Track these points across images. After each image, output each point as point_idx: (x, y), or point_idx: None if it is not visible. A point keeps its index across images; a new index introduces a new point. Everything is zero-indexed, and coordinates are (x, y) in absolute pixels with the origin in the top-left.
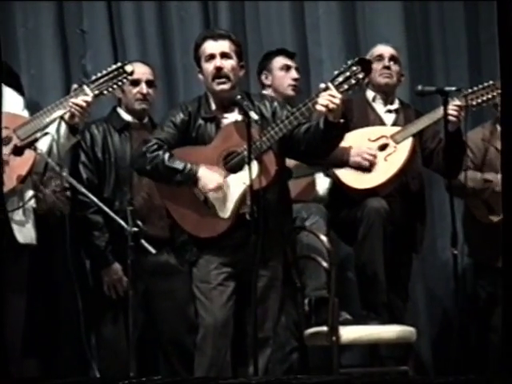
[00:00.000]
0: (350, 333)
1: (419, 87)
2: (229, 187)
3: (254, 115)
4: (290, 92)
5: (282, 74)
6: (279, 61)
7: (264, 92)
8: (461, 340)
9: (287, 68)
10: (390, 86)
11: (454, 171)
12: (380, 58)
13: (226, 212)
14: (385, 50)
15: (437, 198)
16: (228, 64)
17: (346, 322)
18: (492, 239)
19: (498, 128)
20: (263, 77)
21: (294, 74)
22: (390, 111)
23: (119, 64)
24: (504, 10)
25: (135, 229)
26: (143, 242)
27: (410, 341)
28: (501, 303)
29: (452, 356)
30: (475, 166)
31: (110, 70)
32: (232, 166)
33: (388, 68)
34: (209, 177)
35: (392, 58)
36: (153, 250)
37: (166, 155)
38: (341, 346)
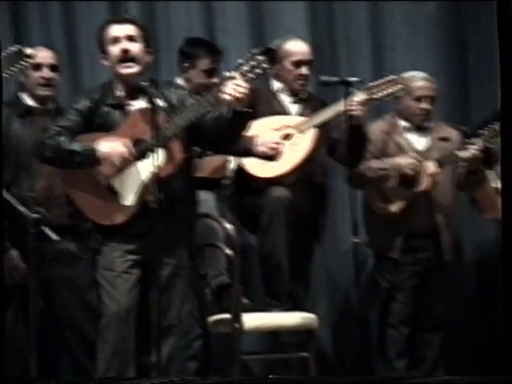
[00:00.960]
0: (252, 320)
1: (323, 77)
2: (134, 174)
3: (160, 102)
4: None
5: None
6: (203, 63)
7: (179, 80)
8: (360, 327)
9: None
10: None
11: (355, 162)
12: (298, 64)
13: (131, 199)
14: (301, 51)
15: (339, 187)
16: (134, 47)
17: (245, 307)
18: (388, 229)
19: (398, 121)
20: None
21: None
22: (295, 102)
23: (17, 46)
24: (504, 9)
25: (36, 215)
26: (45, 228)
27: (311, 328)
28: (501, 303)
29: (351, 343)
30: (374, 157)
31: (7, 52)
32: (137, 153)
33: (304, 76)
34: (110, 147)
35: (308, 63)
36: (55, 237)
37: (64, 139)
38: (243, 332)
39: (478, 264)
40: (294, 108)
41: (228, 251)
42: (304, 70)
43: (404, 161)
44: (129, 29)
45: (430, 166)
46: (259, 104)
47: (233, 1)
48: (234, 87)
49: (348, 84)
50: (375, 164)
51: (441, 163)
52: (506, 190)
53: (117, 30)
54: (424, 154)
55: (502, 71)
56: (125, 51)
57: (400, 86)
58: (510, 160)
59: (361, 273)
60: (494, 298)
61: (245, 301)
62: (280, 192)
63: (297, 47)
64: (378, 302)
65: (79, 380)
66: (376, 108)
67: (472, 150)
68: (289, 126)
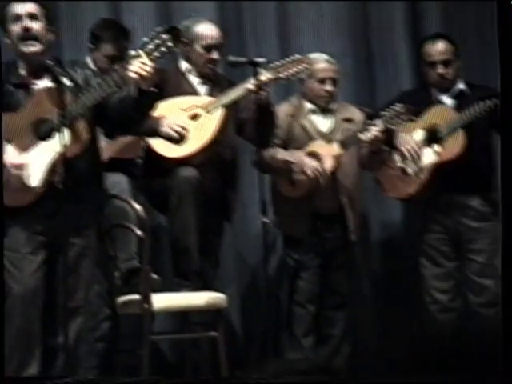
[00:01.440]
0: (161, 300)
1: (230, 57)
2: (39, 155)
3: (65, 81)
4: None
5: None
6: (107, 48)
7: (88, 59)
8: (269, 306)
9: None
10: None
11: (264, 141)
12: (208, 48)
13: (36, 180)
14: (211, 35)
15: (248, 167)
16: (36, 25)
17: (154, 284)
18: (295, 211)
19: (304, 103)
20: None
21: None
22: (204, 82)
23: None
24: (504, 10)
25: None
26: None
27: (220, 307)
28: (501, 303)
29: (260, 321)
30: (281, 141)
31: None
32: (42, 133)
33: (214, 60)
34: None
35: (218, 47)
36: None
37: None
38: (152, 313)
39: (384, 243)
40: (202, 89)
41: (138, 232)
42: (214, 55)
43: (309, 162)
44: (30, 7)
45: (334, 148)
46: (167, 84)
47: None
48: (140, 65)
49: (255, 64)
50: (280, 155)
51: (344, 144)
52: (505, 190)
53: (18, 8)
54: (328, 136)
55: (501, 71)
56: (26, 29)
57: (305, 65)
58: (510, 161)
59: (270, 252)
60: (399, 275)
61: (154, 276)
62: (188, 172)
63: (207, 31)
64: (286, 281)
65: (80, 380)
66: (284, 91)
67: (373, 131)
68: (197, 106)
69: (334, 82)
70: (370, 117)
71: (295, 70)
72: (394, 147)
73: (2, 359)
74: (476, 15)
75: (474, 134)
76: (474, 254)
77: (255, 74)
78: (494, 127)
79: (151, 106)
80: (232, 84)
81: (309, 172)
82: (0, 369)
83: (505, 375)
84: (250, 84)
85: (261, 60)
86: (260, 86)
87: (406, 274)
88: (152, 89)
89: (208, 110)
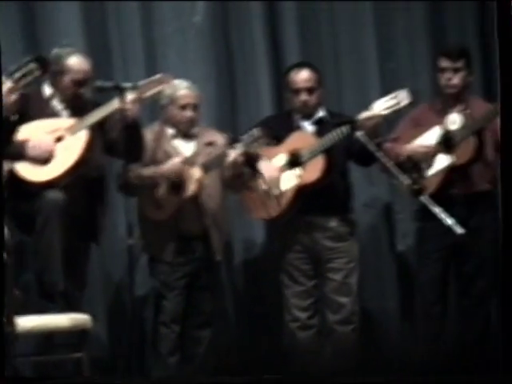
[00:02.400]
0: (25, 322)
1: (97, 83)
2: None
3: None
4: None
5: None
6: None
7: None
8: (134, 326)
9: None
10: None
11: (133, 159)
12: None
13: None
14: (81, 69)
15: (115, 188)
16: None
17: (17, 301)
18: (160, 233)
19: (166, 129)
20: None
21: None
22: (67, 107)
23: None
24: (504, 10)
25: None
26: None
27: (85, 328)
28: (501, 302)
29: (126, 341)
30: (144, 165)
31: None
32: None
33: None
34: None
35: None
36: None
37: None
38: (16, 334)
39: (247, 262)
40: (65, 113)
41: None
42: (81, 89)
43: (168, 167)
44: None
45: (197, 171)
46: (29, 109)
47: (5, 0)
48: (5, 93)
49: (122, 89)
50: (144, 172)
51: (206, 167)
52: (505, 189)
53: None
54: (191, 160)
55: (501, 71)
56: None
57: (167, 84)
58: (510, 159)
59: (135, 273)
60: (262, 294)
61: (18, 295)
62: (54, 194)
63: (78, 65)
64: (152, 301)
65: (78, 380)
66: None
67: (233, 155)
68: (61, 129)
69: (195, 107)
70: (232, 140)
71: (158, 88)
72: (255, 169)
73: (2, 359)
74: (333, 45)
75: (332, 158)
76: (331, 272)
77: (121, 97)
78: (350, 154)
79: (12, 131)
80: (97, 106)
81: (171, 175)
82: (0, 369)
83: (504, 375)
84: (115, 105)
85: (127, 84)
86: (125, 106)
87: (269, 293)
88: (13, 116)
89: (73, 131)
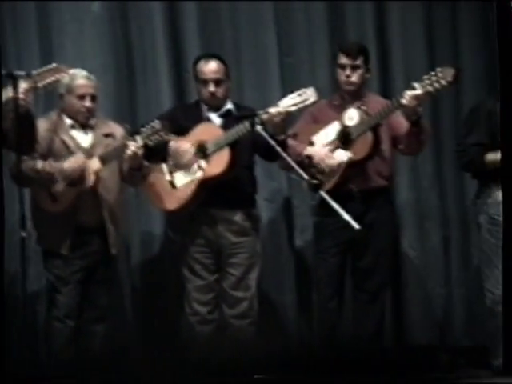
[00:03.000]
0: None
1: None
2: None
3: None
4: None
5: None
6: None
7: None
8: (27, 321)
9: None
10: None
11: (25, 150)
12: None
13: None
14: None
15: (8, 179)
16: None
17: None
18: (56, 226)
19: (64, 118)
20: None
21: None
22: None
23: None
24: (504, 9)
25: None
26: None
27: None
28: (502, 303)
29: (16, 336)
30: (40, 155)
31: None
32: None
33: None
34: None
35: None
36: None
37: None
38: None
39: (146, 256)
40: None
41: None
42: None
43: (69, 165)
44: None
45: (94, 163)
46: None
47: None
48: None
49: (15, 78)
50: (40, 166)
51: (104, 159)
52: (505, 189)
53: None
54: (89, 151)
55: (501, 72)
56: None
57: (62, 74)
58: (510, 165)
59: (28, 266)
60: (161, 289)
61: None
62: None
63: None
64: (45, 295)
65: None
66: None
67: (132, 147)
68: None
69: (93, 97)
70: (131, 133)
71: (53, 78)
72: (162, 160)
73: (1, 359)
74: (234, 39)
75: (238, 152)
76: (231, 267)
77: (14, 86)
78: (256, 148)
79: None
80: None
81: (72, 175)
82: (0, 368)
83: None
84: (8, 92)
85: (20, 73)
86: (19, 96)
87: (169, 287)
88: None
89: None
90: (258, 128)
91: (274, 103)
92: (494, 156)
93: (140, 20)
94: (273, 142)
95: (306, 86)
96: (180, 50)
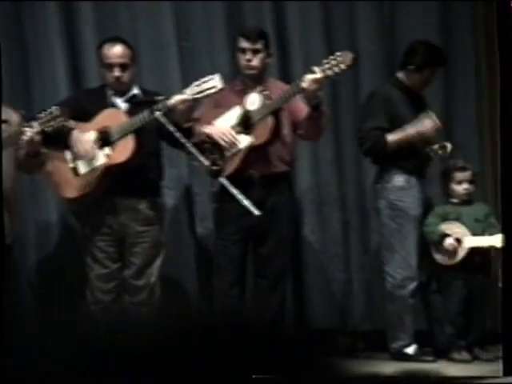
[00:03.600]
0: None
1: None
2: None
3: None
4: None
5: None
6: None
7: None
8: None
9: None
10: None
11: None
12: None
13: None
14: None
15: None
16: None
17: None
18: None
19: None
20: None
21: None
22: None
23: None
24: (504, 9)
25: None
26: None
27: None
28: (502, 304)
29: None
30: None
31: None
32: None
33: None
34: None
35: None
36: None
37: None
38: None
39: (41, 245)
40: None
41: None
42: None
43: None
44: None
45: None
46: None
47: None
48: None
49: None
50: None
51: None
52: (505, 191)
53: None
54: None
55: (501, 71)
56: None
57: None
58: (510, 158)
59: None
60: (60, 278)
61: None
62: None
63: None
64: None
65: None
66: None
67: (28, 133)
68: None
69: None
70: (27, 119)
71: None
72: (65, 147)
73: (1, 359)
74: (131, 24)
75: (143, 138)
76: (133, 256)
77: None
78: (161, 135)
79: None
80: None
81: None
82: (0, 368)
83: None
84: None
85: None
86: None
87: (68, 275)
88: None
89: None
90: (157, 114)
91: (175, 89)
92: (394, 136)
93: (33, 2)
94: (172, 129)
95: (205, 71)
96: (75, 34)
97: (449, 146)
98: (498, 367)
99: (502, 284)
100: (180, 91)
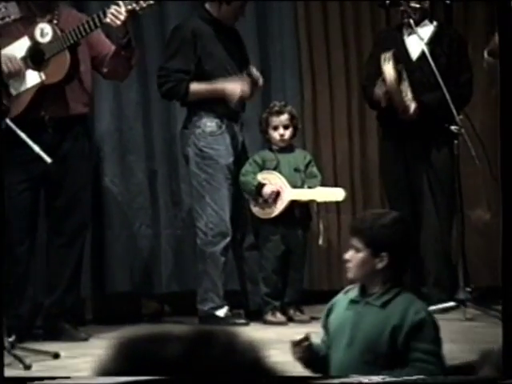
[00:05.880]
0: None
1: None
2: None
3: None
4: None
5: None
6: None
7: None
8: None
9: None
10: None
11: None
12: None
13: None
14: None
15: None
16: None
17: None
18: None
19: None
20: None
21: None
22: None
23: None
24: (504, 9)
25: None
26: None
27: None
28: (502, 304)
29: None
30: None
31: None
32: None
33: None
34: None
35: None
36: None
37: None
38: None
39: None
40: None
41: None
42: None
43: None
44: None
45: None
46: None
47: None
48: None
49: None
50: None
51: None
52: (505, 189)
53: None
54: None
55: (501, 72)
56: None
57: None
58: (510, 158)
59: None
60: None
61: None
62: None
63: None
64: None
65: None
66: None
67: None
68: None
69: None
70: None
71: None
72: None
73: (1, 359)
74: None
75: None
76: None
77: None
78: None
79: None
80: None
81: None
82: (0, 369)
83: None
84: None
85: None
86: None
87: None
88: None
89: None
90: None
91: None
92: (198, 87)
93: None
94: None
95: None
96: None
97: None
98: (313, 329)
99: (502, 283)
100: None
